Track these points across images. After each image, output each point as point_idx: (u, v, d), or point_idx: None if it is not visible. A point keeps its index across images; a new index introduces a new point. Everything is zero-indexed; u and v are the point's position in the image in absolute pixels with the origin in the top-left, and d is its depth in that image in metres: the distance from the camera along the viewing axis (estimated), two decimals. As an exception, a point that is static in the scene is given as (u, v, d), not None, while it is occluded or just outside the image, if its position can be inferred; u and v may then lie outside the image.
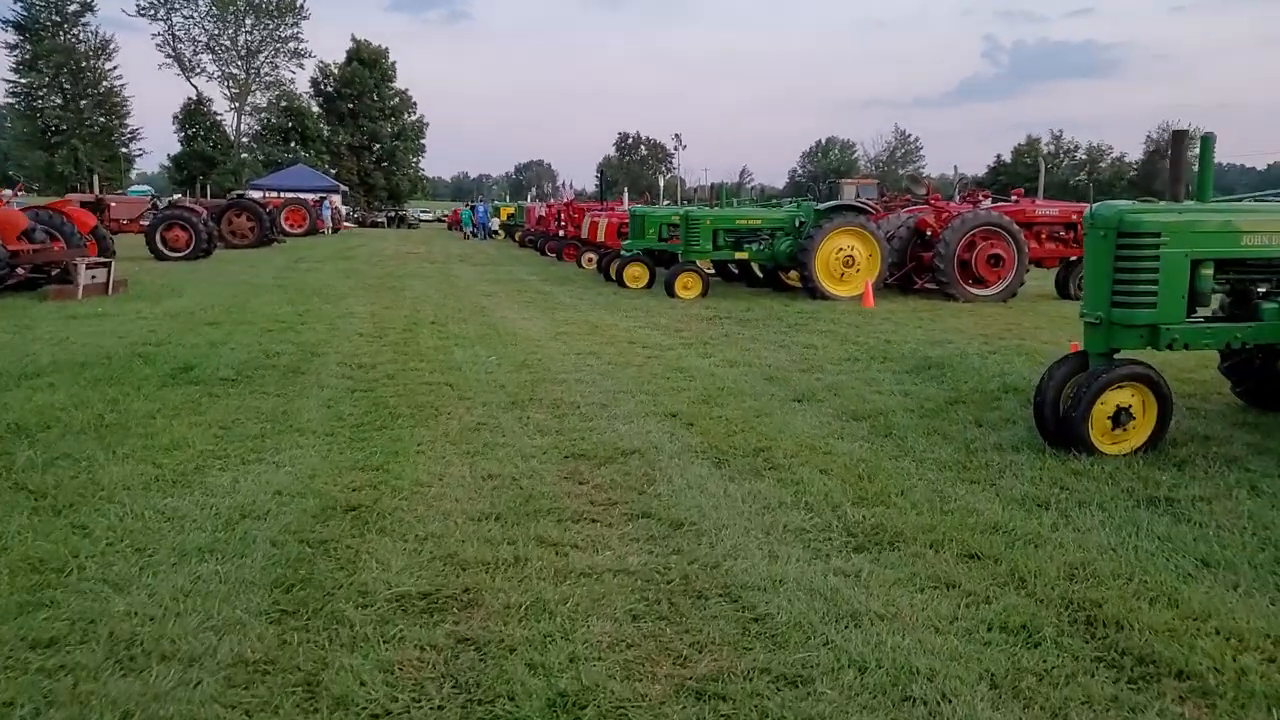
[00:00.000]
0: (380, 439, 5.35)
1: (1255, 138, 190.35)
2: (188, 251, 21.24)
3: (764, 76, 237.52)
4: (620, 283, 16.91)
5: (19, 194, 23.57)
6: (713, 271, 17.46)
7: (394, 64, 79.67)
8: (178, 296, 13.46)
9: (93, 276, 13.00)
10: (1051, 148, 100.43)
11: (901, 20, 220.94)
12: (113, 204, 25.84)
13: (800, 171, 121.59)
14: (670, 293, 14.84)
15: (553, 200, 42.42)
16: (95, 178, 29.26)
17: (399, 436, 5.40)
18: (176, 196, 35.07)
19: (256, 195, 42.61)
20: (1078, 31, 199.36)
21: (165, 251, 21.15)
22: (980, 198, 15.67)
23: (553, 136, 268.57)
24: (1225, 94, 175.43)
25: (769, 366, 8.21)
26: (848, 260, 14.28)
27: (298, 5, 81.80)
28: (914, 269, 15.54)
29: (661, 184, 49.39)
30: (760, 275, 17.25)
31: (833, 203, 15.61)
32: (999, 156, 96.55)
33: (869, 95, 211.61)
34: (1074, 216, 15.57)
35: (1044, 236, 15.64)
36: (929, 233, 15.13)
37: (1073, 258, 15.55)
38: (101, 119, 77.71)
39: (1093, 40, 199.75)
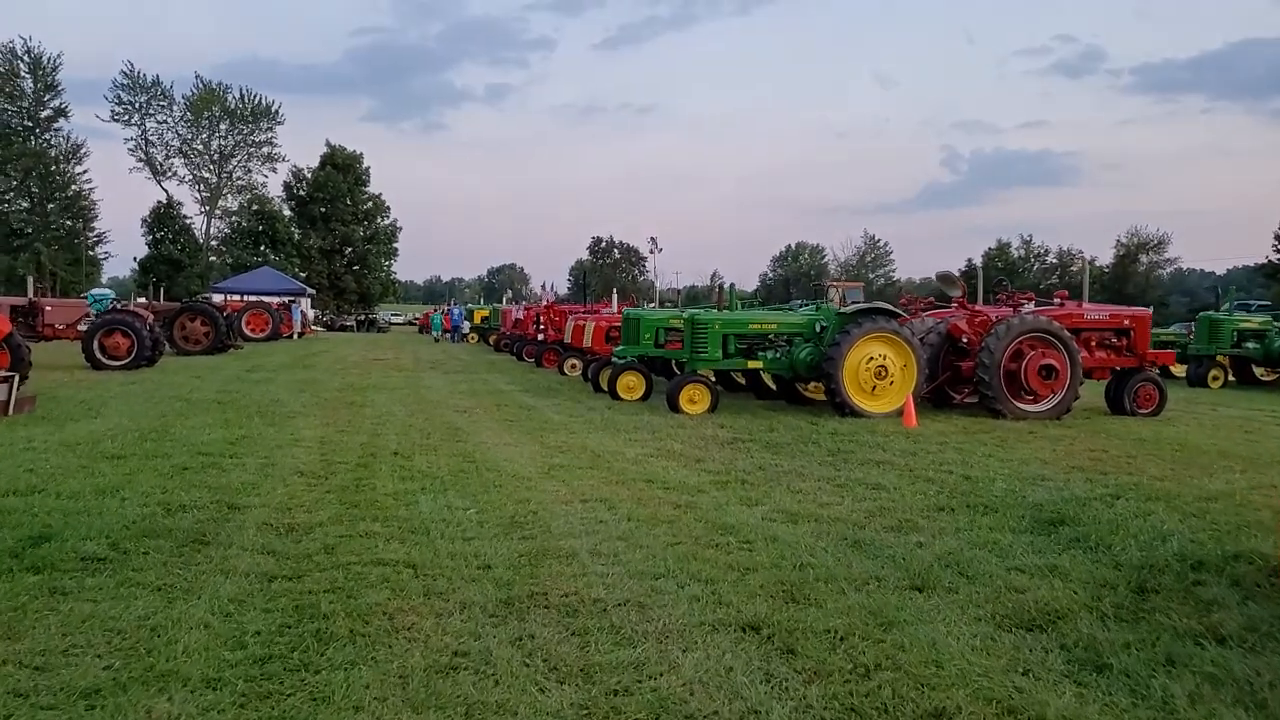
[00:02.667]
0: (293, 696, 3.22)
1: (1213, 241, 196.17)
2: (128, 360, 18.99)
3: (731, 184, 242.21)
4: (613, 394, 14.96)
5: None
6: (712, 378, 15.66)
7: (368, 169, 79.14)
8: (92, 418, 11.23)
9: (-10, 393, 10.81)
10: (1021, 252, 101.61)
11: (860, 131, 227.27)
12: (48, 308, 23.65)
13: (771, 275, 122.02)
14: (674, 407, 12.91)
15: (529, 303, 40.93)
16: (30, 281, 27.15)
17: (324, 688, 3.28)
18: (140, 300, 33.01)
19: (219, 298, 40.70)
20: (1033, 141, 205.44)
21: (103, 360, 18.91)
22: (1020, 300, 13.99)
23: (524, 241, 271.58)
24: (1178, 201, 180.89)
25: (841, 522, 6.18)
26: (879, 371, 12.44)
27: (273, 111, 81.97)
28: (948, 380, 13.74)
29: (637, 286, 48.35)
30: (773, 386, 15.35)
31: (859, 305, 13.87)
32: (970, 260, 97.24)
33: (834, 203, 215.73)
34: (1126, 321, 13.91)
35: (1093, 344, 13.89)
36: (964, 339, 13.40)
37: (1126, 367, 13.83)
38: (68, 222, 76.21)
39: (1048, 149, 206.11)
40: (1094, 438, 10.86)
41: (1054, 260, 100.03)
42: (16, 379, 11.51)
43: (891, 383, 12.48)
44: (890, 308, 13.22)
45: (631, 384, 14.96)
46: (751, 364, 13.66)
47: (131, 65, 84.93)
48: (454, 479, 7.68)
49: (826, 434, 10.71)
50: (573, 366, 21.57)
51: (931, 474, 8.11)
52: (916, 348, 12.74)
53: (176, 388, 15.80)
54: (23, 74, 72.37)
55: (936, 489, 7.38)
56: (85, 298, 25.08)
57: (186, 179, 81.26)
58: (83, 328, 21.28)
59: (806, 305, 16.79)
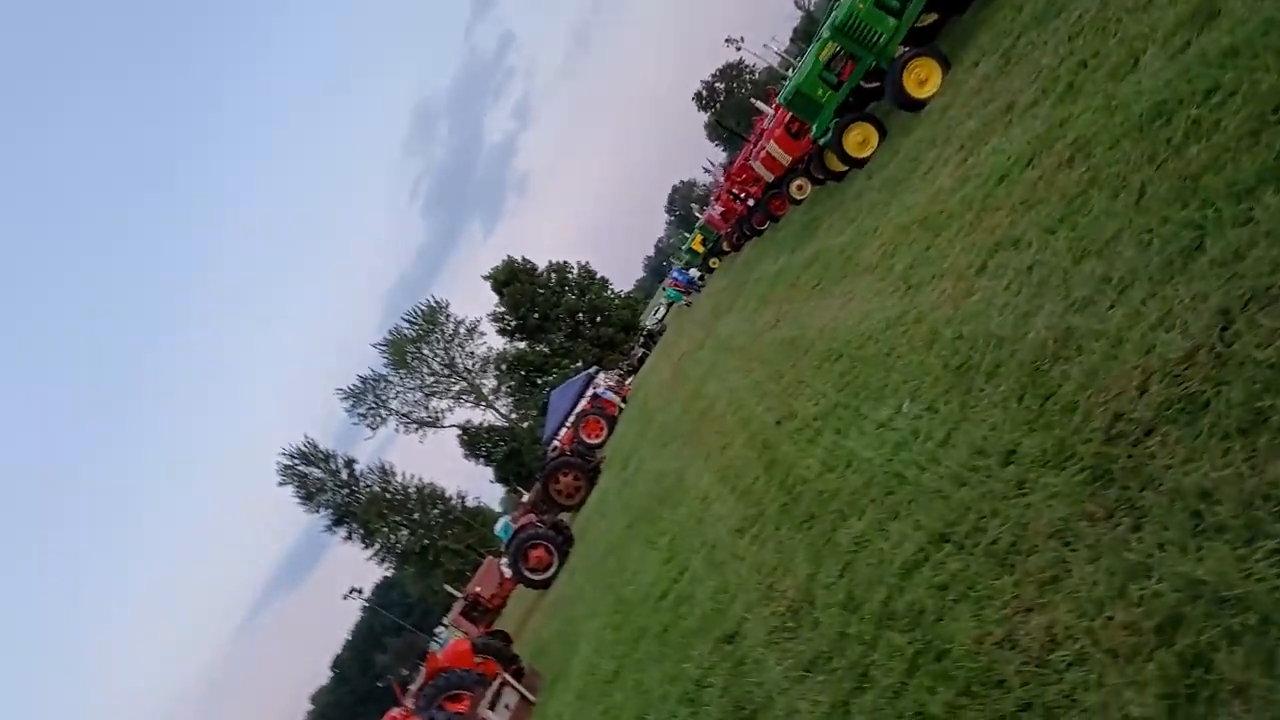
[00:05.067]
0: None
1: None
2: (555, 560, 19.47)
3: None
4: (848, 161, 13.05)
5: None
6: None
7: (533, 266, 79.41)
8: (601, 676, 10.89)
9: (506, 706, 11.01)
10: None
11: None
12: (478, 588, 25.27)
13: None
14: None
15: (714, 190, 38.84)
16: (449, 588, 29.51)
17: None
18: (524, 502, 35.22)
19: (554, 445, 42.67)
20: None
21: (537, 577, 19.69)
22: None
23: (651, 165, 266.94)
24: None
25: None
26: None
27: (440, 305, 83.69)
28: None
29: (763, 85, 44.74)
30: None
31: None
32: None
33: None
34: None
35: None
36: None
37: None
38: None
39: None
40: None
41: None
42: (503, 679, 11.64)
43: None
44: None
45: (859, 138, 12.98)
46: None
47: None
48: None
49: None
50: (799, 188, 19.68)
51: None
52: None
53: (594, 557, 15.85)
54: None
55: None
56: (497, 536, 26.51)
57: (452, 405, 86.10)
58: (507, 571, 22.55)
59: None
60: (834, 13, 13.00)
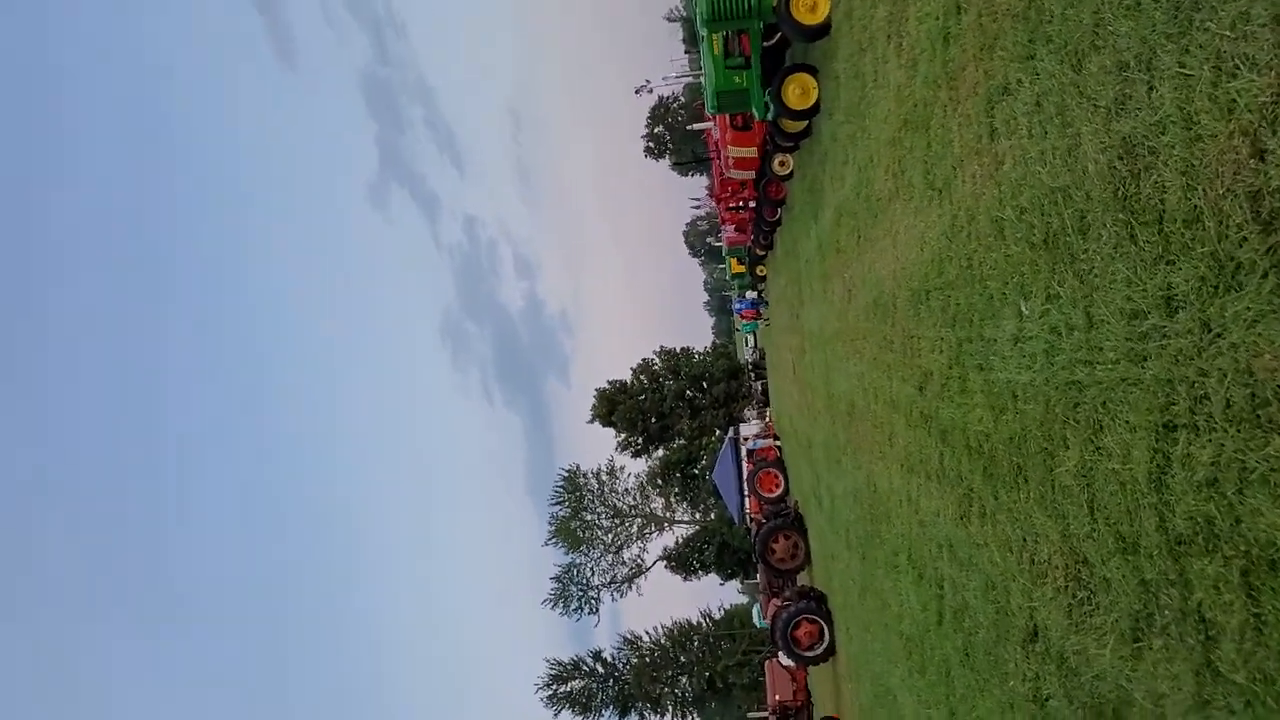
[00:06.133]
0: None
1: None
2: (825, 633, 18.36)
3: None
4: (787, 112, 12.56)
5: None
6: None
7: (621, 383, 79.48)
8: None
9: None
10: None
11: None
12: (777, 697, 24.05)
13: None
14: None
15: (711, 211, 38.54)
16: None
17: None
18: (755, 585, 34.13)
19: (748, 520, 41.75)
20: None
21: (811, 655, 18.61)
22: None
23: (655, 210, 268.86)
24: None
25: None
26: None
27: (574, 472, 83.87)
28: None
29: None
30: None
31: None
32: None
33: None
34: None
35: None
36: None
37: None
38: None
39: None
40: None
41: None
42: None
43: None
44: None
45: (798, 91, 12.54)
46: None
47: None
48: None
49: None
50: (781, 164, 19.20)
51: None
52: None
53: (881, 593, 15.15)
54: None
55: None
56: (761, 626, 25.37)
57: (641, 545, 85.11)
58: (789, 662, 21.43)
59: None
60: (696, 7, 12.80)
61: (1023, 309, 4.47)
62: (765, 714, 24.54)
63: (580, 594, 76.45)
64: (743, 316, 48.06)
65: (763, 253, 35.93)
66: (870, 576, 11.55)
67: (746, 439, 49.54)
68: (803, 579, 22.58)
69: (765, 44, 12.94)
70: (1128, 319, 3.26)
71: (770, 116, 13.58)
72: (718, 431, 71.91)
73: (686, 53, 63.21)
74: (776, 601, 20.85)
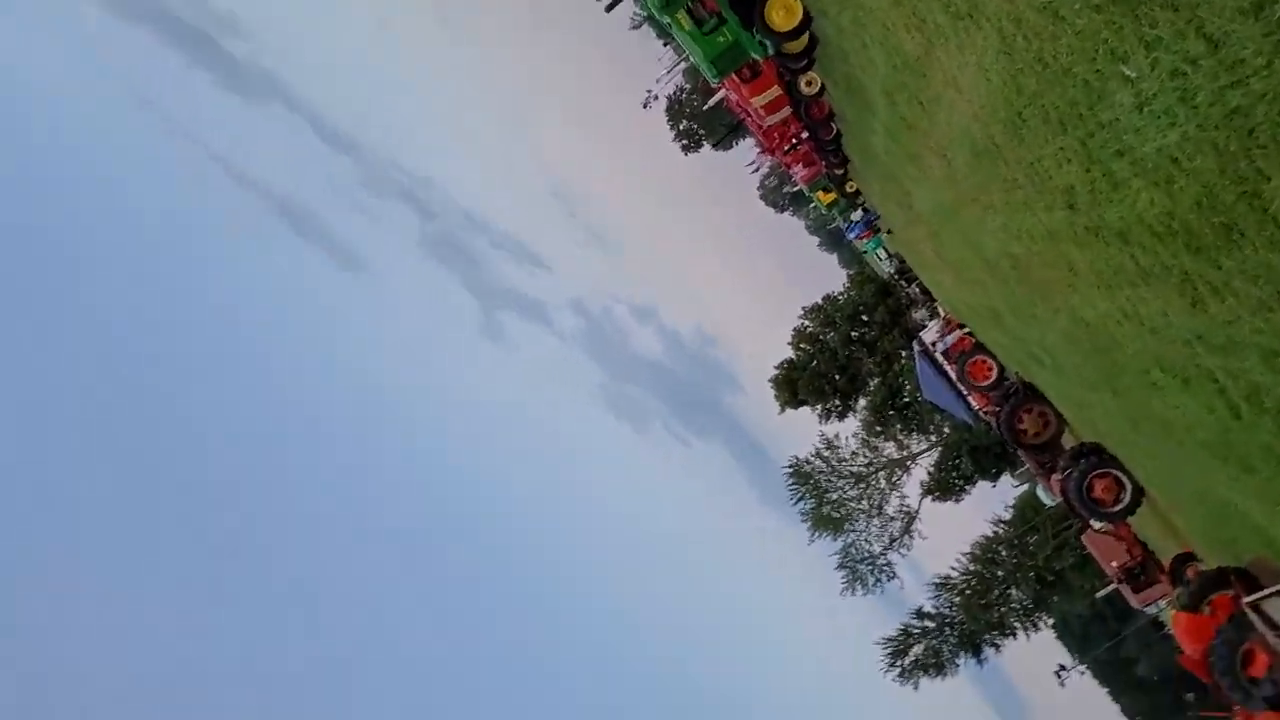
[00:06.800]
0: None
1: None
2: (1125, 483, 16.79)
3: None
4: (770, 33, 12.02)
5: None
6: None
7: (788, 360, 78.02)
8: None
9: None
10: None
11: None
12: (1113, 563, 22.25)
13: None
14: None
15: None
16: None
17: None
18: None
19: (981, 417, 39.48)
20: None
21: (1121, 510, 17.10)
22: None
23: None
24: None
25: None
26: None
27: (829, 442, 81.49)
28: None
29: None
30: None
31: None
32: None
33: None
34: None
35: None
36: None
37: None
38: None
39: None
40: None
41: None
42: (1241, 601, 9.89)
43: None
44: None
45: (781, 10, 12.03)
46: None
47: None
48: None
49: None
50: (809, 83, 18.48)
51: None
52: None
53: (1157, 410, 13.96)
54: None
55: None
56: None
57: (900, 494, 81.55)
58: (1100, 526, 19.82)
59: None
60: (647, 3, 12.61)
61: (1126, 73, 3.89)
62: (1111, 585, 22.89)
63: (869, 567, 74.63)
64: (862, 238, 46.46)
65: (841, 170, 34.72)
66: (1133, 406, 10.58)
67: (933, 343, 47.52)
68: (1066, 441, 21.15)
69: (726, -7, 12.51)
70: (1254, 16, 2.72)
71: (771, 51, 13.08)
72: (903, 353, 69.54)
73: (665, 45, 62.93)
74: (1056, 476, 19.52)
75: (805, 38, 13.23)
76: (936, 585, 73.22)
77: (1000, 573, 70.31)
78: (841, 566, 75.67)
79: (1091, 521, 19.39)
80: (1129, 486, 16.65)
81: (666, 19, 12.43)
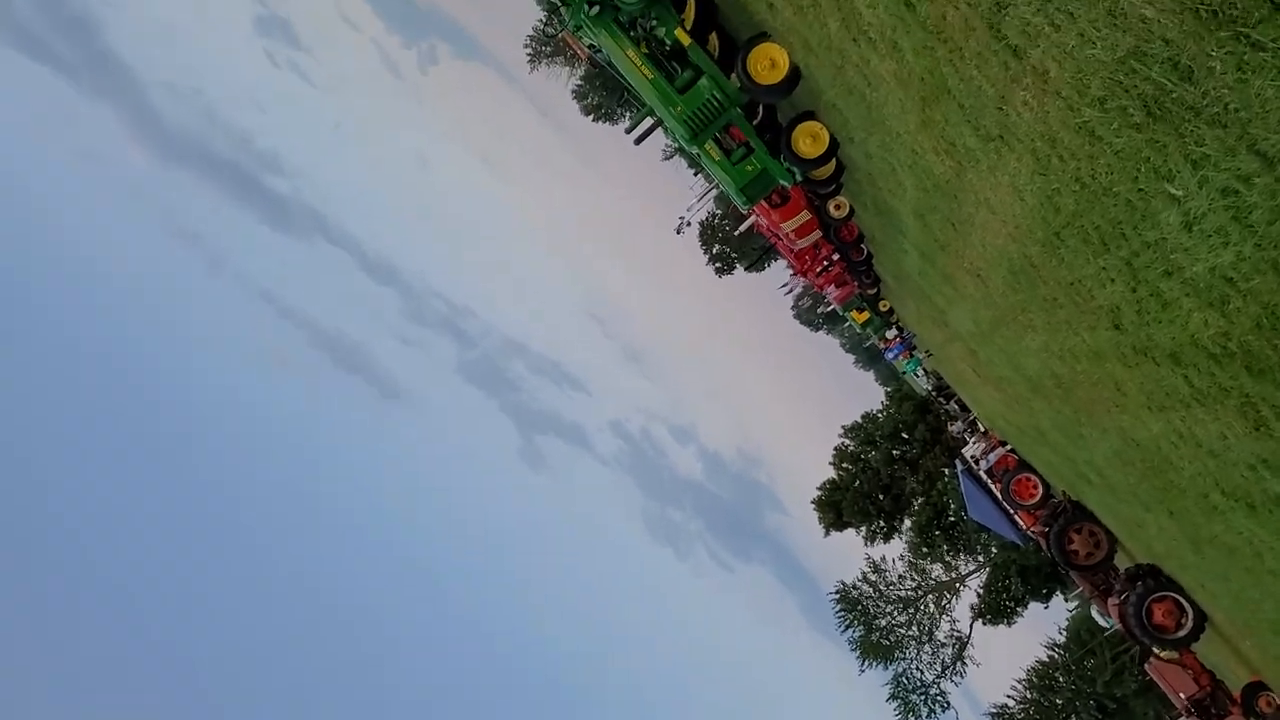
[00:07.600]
0: None
1: None
2: (1188, 610, 16.00)
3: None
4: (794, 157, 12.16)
5: None
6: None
7: (830, 481, 77.04)
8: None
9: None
10: None
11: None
12: (1181, 695, 21.11)
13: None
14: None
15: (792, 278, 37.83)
16: None
17: None
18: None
19: (1029, 537, 38.43)
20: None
21: (1181, 637, 16.23)
22: None
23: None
24: None
25: None
26: None
27: (875, 566, 79.86)
28: None
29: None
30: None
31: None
32: None
33: None
34: None
35: None
36: None
37: None
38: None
39: None
40: None
41: None
42: None
43: None
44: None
45: (808, 138, 12.24)
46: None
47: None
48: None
49: None
50: (838, 207, 18.68)
51: None
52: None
53: (1212, 542, 13.36)
54: None
55: None
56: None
57: (949, 618, 79.38)
58: (1168, 655, 18.77)
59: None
60: (675, 137, 12.90)
61: (1172, 192, 3.77)
62: (1180, 717, 21.42)
63: (922, 697, 71.17)
64: (900, 359, 46.21)
65: (874, 290, 34.86)
66: (1192, 528, 10.06)
67: (976, 460, 46.52)
68: (1120, 562, 20.24)
69: (754, 121, 12.80)
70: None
71: (799, 177, 13.25)
72: (945, 471, 68.27)
73: (696, 174, 64.76)
74: (1113, 600, 18.57)
75: (833, 164, 13.40)
76: (994, 716, 69.37)
77: (1059, 700, 66.47)
78: (894, 697, 72.29)
79: (1154, 648, 18.30)
80: (1190, 611, 15.75)
81: (695, 149, 12.67)
